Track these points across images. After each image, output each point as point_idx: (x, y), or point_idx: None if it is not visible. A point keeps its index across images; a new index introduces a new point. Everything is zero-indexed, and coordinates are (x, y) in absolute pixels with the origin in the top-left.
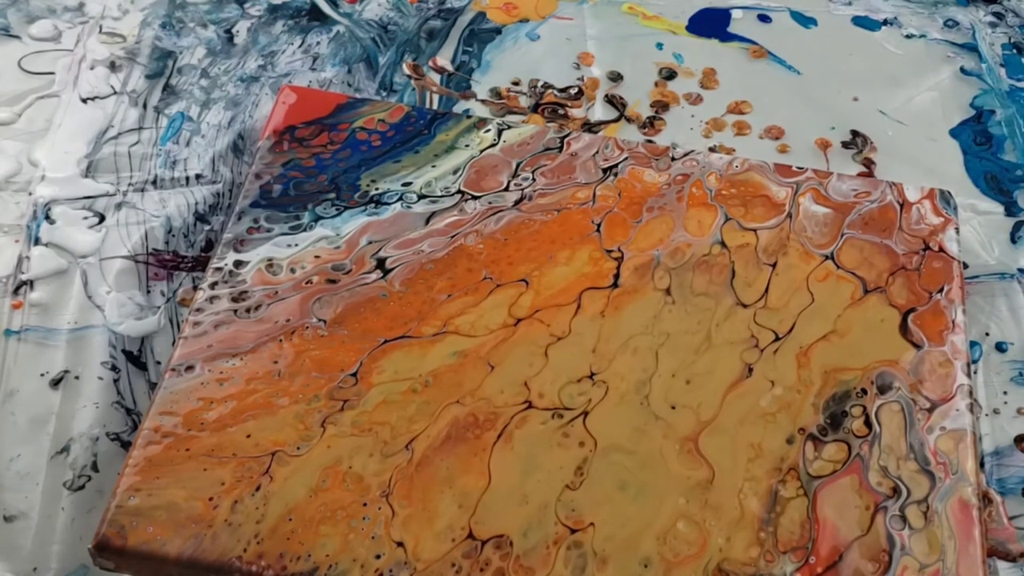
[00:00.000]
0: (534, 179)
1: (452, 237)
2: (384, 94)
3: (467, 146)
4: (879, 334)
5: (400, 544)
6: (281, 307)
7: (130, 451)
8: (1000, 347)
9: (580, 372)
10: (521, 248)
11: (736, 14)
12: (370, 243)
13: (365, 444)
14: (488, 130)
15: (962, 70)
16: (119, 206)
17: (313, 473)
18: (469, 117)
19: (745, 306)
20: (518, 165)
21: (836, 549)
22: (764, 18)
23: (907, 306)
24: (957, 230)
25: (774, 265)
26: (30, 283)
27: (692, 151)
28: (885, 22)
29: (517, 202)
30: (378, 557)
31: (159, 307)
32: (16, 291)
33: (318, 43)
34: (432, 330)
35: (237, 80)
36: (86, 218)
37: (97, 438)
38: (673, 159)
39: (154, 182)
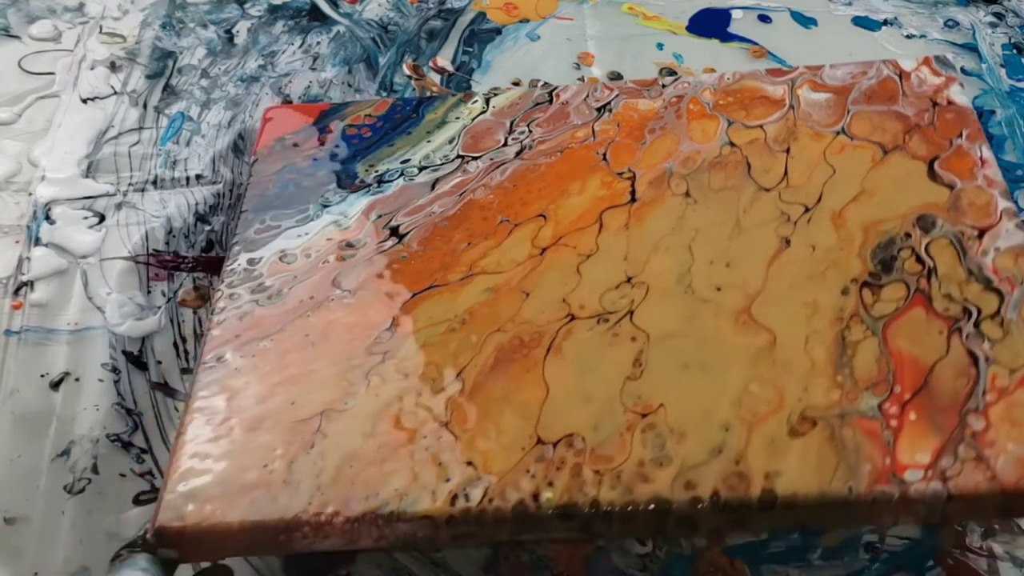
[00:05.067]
0: (531, 131)
1: (461, 195)
2: (384, 94)
3: (458, 118)
4: (909, 185)
5: (469, 463)
6: (302, 287)
7: (175, 439)
8: None
9: (617, 279)
10: (532, 190)
11: (736, 14)
12: (379, 217)
13: (413, 385)
14: (475, 101)
15: (962, 70)
16: (119, 206)
17: (366, 420)
18: (454, 95)
19: (768, 190)
20: (512, 123)
21: (919, 374)
22: (764, 18)
23: (930, 156)
24: (962, 85)
25: (788, 150)
26: (30, 284)
27: (680, 76)
28: (885, 22)
29: (518, 153)
30: (448, 480)
31: (159, 307)
32: (16, 292)
33: (318, 43)
34: (459, 276)
35: (237, 80)
36: (86, 218)
37: (97, 440)
38: (664, 86)
39: (154, 182)
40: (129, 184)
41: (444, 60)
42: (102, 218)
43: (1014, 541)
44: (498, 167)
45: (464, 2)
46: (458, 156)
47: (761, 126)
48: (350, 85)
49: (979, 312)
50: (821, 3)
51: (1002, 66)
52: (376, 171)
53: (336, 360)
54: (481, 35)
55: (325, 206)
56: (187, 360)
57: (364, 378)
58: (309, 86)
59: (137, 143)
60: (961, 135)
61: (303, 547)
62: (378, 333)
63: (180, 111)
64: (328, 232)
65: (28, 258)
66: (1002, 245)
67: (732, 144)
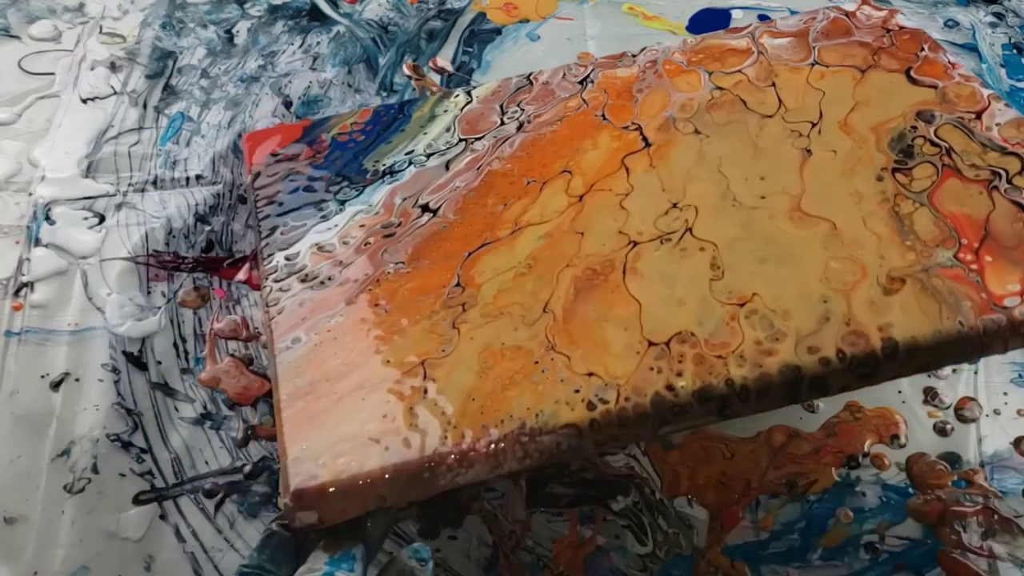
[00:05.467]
0: (523, 109)
1: (478, 169)
2: (384, 94)
3: (446, 111)
4: (896, 92)
5: (591, 374)
6: (353, 269)
7: (277, 419)
8: None
9: (663, 207)
10: (546, 154)
11: (736, 14)
12: (404, 200)
13: (505, 324)
14: (457, 95)
15: None
16: (119, 206)
17: (471, 360)
18: (433, 93)
19: (770, 116)
20: (502, 106)
21: (978, 227)
22: (764, 18)
23: (904, 68)
24: (904, 14)
25: (773, 84)
26: (30, 285)
27: (644, 48)
28: None
29: (519, 128)
30: (577, 391)
31: (159, 308)
32: (17, 293)
33: (318, 43)
34: (507, 231)
35: (237, 80)
36: (86, 218)
37: (97, 440)
38: (634, 56)
39: (154, 182)
40: (129, 184)
41: (444, 60)
42: (102, 218)
43: (1014, 541)
44: (505, 141)
45: (464, 2)
46: (461, 140)
47: (740, 71)
48: (350, 85)
49: (1007, 172)
50: (821, 3)
51: (1002, 66)
52: (384, 164)
53: (417, 319)
54: (481, 35)
55: (343, 201)
56: (187, 360)
57: (452, 327)
58: (309, 86)
59: (137, 143)
60: (923, 49)
61: (447, 483)
62: (448, 290)
63: (180, 111)
64: (358, 220)
65: (28, 259)
66: (1000, 120)
67: (720, 88)
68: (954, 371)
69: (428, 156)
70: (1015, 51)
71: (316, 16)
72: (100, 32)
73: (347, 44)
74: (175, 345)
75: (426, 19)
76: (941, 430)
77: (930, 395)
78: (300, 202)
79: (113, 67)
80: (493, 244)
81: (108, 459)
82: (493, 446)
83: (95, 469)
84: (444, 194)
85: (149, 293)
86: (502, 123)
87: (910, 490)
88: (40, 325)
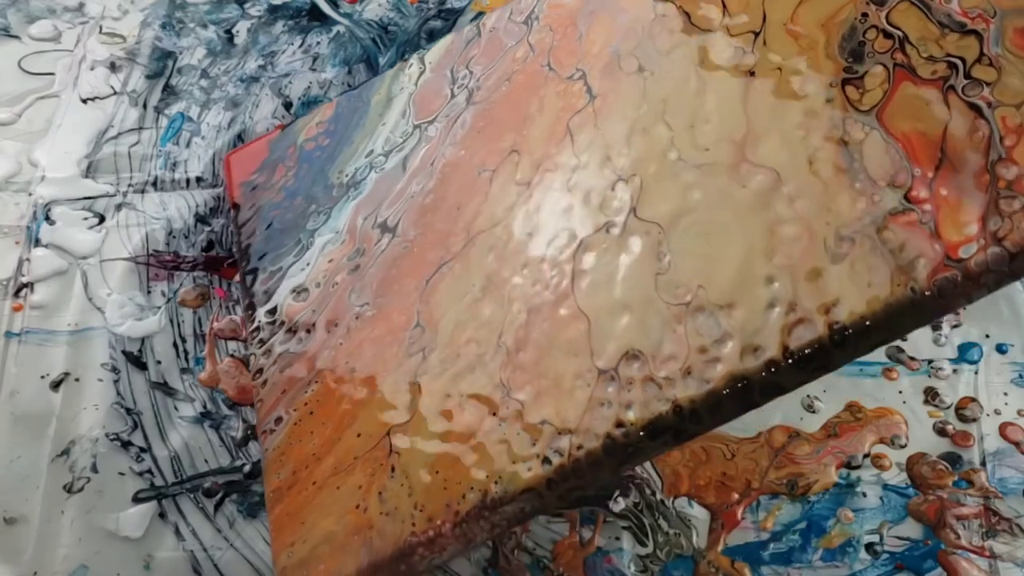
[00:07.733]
0: (472, 72)
1: (432, 163)
2: None
3: (402, 89)
4: None
5: (544, 422)
6: (324, 317)
7: (268, 516)
8: (1000, 349)
9: (608, 181)
10: (497, 127)
11: None
12: (365, 219)
13: (462, 369)
14: (411, 65)
15: None
16: (119, 207)
17: (433, 423)
18: (390, 70)
19: (712, 31)
20: (452, 71)
21: (934, 147)
22: None
23: None
24: None
25: None
26: (30, 285)
27: None
28: None
29: (468, 99)
30: (534, 445)
31: (159, 307)
32: (17, 293)
33: (318, 43)
34: (461, 244)
35: (237, 80)
36: (86, 219)
37: (97, 439)
38: None
39: (154, 183)
40: (129, 185)
41: None
42: (102, 218)
43: (1015, 541)
44: (456, 121)
45: (464, 2)
46: (415, 127)
47: None
48: (350, 85)
49: (963, 61)
50: None
51: None
52: (347, 174)
53: (381, 377)
54: None
55: (314, 231)
56: (187, 360)
57: (414, 381)
58: (309, 86)
59: (137, 143)
60: None
61: (426, 567)
62: (408, 334)
63: (180, 111)
64: (327, 254)
65: (28, 259)
66: None
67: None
68: (955, 371)
69: (387, 155)
70: None
71: (316, 16)
72: (100, 32)
73: (347, 44)
74: (175, 345)
75: (426, 19)
76: (941, 430)
77: (930, 395)
78: (276, 239)
79: (113, 67)
80: (449, 263)
81: (108, 458)
82: (459, 528)
83: (95, 468)
84: (402, 204)
85: (149, 293)
86: (452, 95)
87: (910, 490)
88: (40, 325)
